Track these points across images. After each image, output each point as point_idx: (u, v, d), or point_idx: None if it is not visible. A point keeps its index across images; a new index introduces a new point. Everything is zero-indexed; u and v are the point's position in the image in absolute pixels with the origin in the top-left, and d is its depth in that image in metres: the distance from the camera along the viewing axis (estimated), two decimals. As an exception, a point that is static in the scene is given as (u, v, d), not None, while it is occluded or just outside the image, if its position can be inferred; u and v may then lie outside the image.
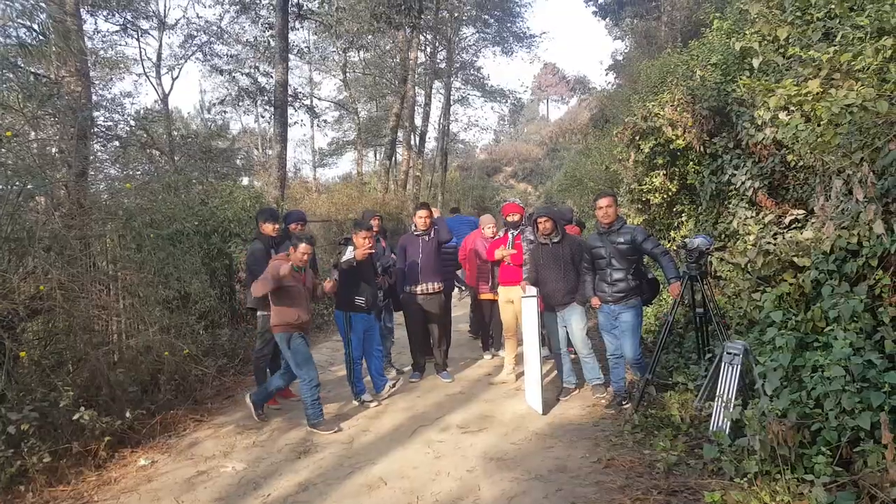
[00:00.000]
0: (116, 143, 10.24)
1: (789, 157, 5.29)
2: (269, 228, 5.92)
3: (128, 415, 4.74)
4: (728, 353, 4.15)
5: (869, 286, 3.74)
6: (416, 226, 6.34)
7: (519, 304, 6.04)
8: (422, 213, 6.34)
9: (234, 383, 6.67)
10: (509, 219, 6.27)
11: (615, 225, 5.04)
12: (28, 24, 5.55)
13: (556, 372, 6.04)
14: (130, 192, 7.25)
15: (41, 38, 5.36)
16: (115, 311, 6.06)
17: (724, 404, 3.90)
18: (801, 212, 5.11)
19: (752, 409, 3.64)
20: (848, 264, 3.90)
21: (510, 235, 6.25)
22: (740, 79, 4.73)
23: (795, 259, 4.26)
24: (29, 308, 5.20)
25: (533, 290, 5.49)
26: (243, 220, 8.92)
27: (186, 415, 5.48)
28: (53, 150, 6.76)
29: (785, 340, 3.88)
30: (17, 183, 4.87)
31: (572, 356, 5.91)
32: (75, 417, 4.36)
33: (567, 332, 5.57)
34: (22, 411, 4.17)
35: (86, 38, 16.95)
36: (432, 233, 6.33)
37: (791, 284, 4.23)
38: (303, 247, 5.06)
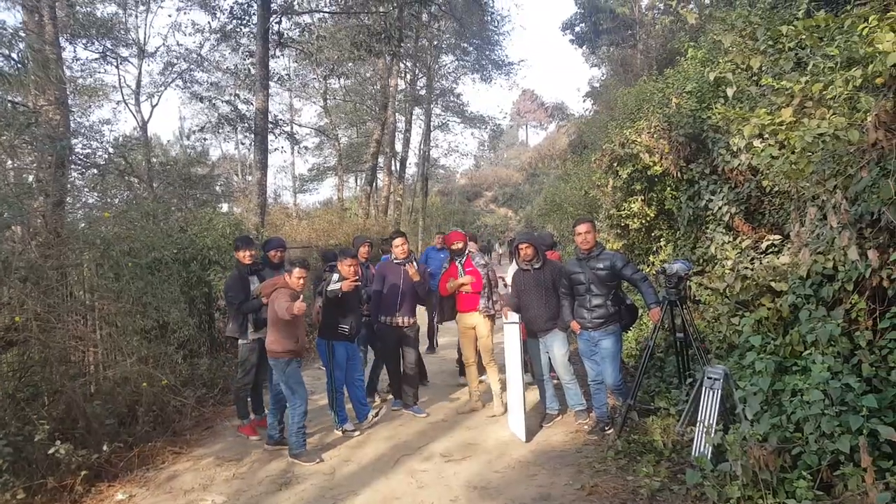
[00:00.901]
0: (94, 170, 10.15)
1: (765, 183, 5.41)
2: (242, 255, 5.80)
3: (105, 448, 4.63)
4: (708, 378, 4.18)
5: (845, 310, 3.81)
6: (394, 255, 6.25)
7: (480, 331, 6.03)
8: (398, 241, 6.23)
9: (213, 414, 6.55)
10: (454, 247, 6.10)
11: (594, 251, 5.08)
12: (6, 53, 5.51)
13: (538, 398, 6.02)
14: (108, 220, 7.19)
15: (19, 66, 5.31)
16: (93, 341, 5.95)
17: (705, 429, 3.91)
18: (778, 237, 5.21)
19: (734, 434, 3.66)
20: (824, 289, 3.98)
21: (458, 264, 6.12)
22: (715, 107, 4.85)
23: (773, 284, 4.34)
24: (3, 340, 5.10)
25: (515, 317, 5.49)
26: (223, 247, 8.82)
27: (165, 447, 5.35)
28: (30, 178, 6.67)
29: (764, 365, 3.93)
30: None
31: (555, 382, 5.91)
32: (50, 452, 4.24)
33: (549, 358, 5.58)
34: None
35: (65, 66, 16.91)
36: (413, 263, 6.26)
37: (769, 309, 4.30)
38: (297, 272, 5.04)
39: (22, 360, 5.35)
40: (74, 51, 15.36)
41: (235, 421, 6.07)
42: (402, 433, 5.74)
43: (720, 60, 6.07)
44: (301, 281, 5.04)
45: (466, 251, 6.16)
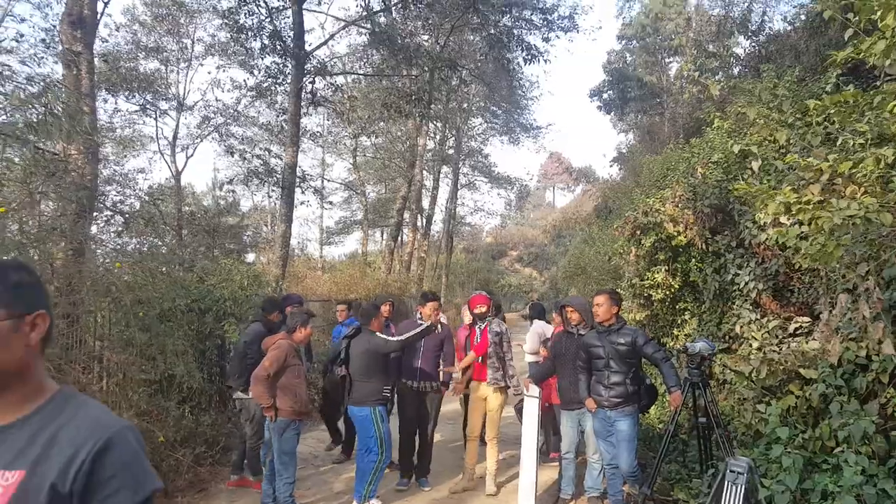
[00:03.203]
0: (120, 218, 10.33)
1: (794, 260, 5.17)
2: (273, 317, 5.98)
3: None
4: (731, 472, 3.85)
5: (881, 404, 3.52)
6: (422, 316, 5.96)
7: (490, 403, 5.74)
8: (431, 304, 5.90)
9: (209, 474, 6.32)
10: (476, 311, 5.85)
11: (615, 325, 4.85)
12: (36, 105, 5.65)
13: (553, 477, 5.67)
14: (125, 269, 7.19)
15: (50, 117, 5.44)
16: (91, 392, 5.83)
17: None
18: (807, 319, 4.92)
19: (759, 537, 3.34)
20: (857, 379, 3.70)
21: (477, 329, 5.86)
22: (742, 178, 4.68)
23: (801, 370, 4.05)
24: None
25: (536, 391, 5.23)
26: (239, 299, 8.78)
27: (155, 510, 5.12)
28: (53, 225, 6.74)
29: (792, 460, 3.62)
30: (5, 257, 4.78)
31: (578, 460, 5.55)
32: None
33: (578, 434, 5.26)
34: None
35: (108, 117, 17.60)
36: (439, 327, 5.93)
37: (797, 397, 4.01)
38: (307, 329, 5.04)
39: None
40: (116, 103, 15.99)
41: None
42: (402, 508, 5.45)
43: (746, 132, 5.97)
44: (307, 337, 4.99)
45: (488, 317, 5.93)
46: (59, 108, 5.70)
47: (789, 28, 13.34)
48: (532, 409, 5.22)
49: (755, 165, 4.38)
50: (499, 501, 5.57)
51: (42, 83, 5.67)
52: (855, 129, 3.92)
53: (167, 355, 6.31)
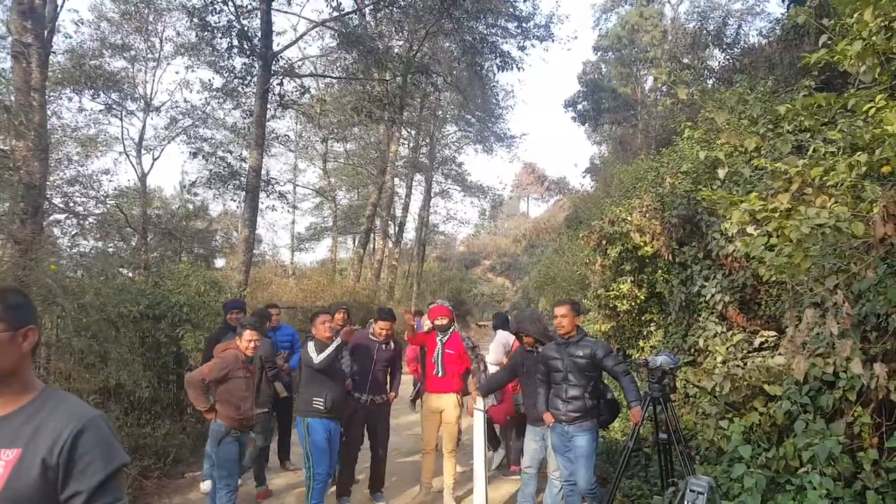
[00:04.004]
0: (74, 219, 9.97)
1: (761, 272, 5.06)
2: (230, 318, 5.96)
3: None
4: (691, 491, 3.69)
5: (847, 423, 3.39)
6: (373, 332, 5.66)
7: (448, 416, 5.54)
8: (383, 325, 5.59)
9: (156, 488, 5.98)
10: (437, 322, 5.63)
11: (575, 336, 4.67)
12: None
13: (512, 491, 5.47)
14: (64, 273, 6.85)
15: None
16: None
17: (686, 555, 3.40)
18: (773, 333, 4.80)
19: (719, 562, 3.17)
20: (823, 397, 3.57)
21: (439, 342, 5.61)
22: (701, 190, 4.55)
23: (766, 387, 3.91)
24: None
25: (481, 403, 5.04)
26: (195, 305, 8.44)
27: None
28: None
29: (754, 480, 3.47)
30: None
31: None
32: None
33: (536, 450, 5.07)
34: None
35: (69, 115, 17.06)
36: (391, 344, 5.70)
37: (761, 414, 3.88)
38: (247, 334, 4.63)
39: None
40: (80, 101, 15.50)
41: (176, 499, 5.58)
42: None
43: (716, 141, 5.88)
44: (251, 345, 4.61)
45: (452, 329, 5.71)
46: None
47: (764, 42, 13.46)
48: (479, 422, 5.02)
49: (722, 173, 4.25)
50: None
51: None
52: (827, 137, 3.82)
53: (111, 363, 5.99)
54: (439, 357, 5.58)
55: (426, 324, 6.09)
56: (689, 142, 8.20)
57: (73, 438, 1.48)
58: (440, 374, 5.57)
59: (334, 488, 5.58)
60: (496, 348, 6.81)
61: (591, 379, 4.59)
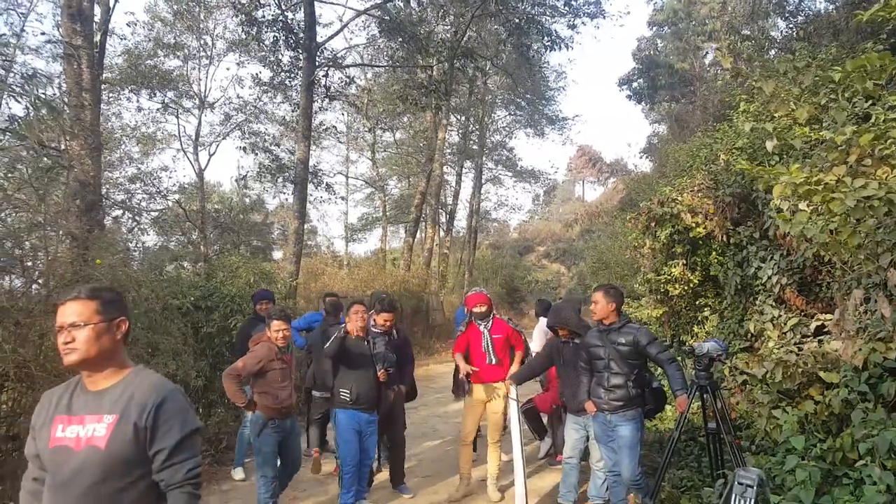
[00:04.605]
0: (129, 215, 10.36)
1: (813, 251, 4.72)
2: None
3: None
4: (739, 484, 3.48)
5: (910, 413, 3.11)
6: (374, 322, 5.45)
7: (493, 406, 5.39)
8: (386, 316, 5.41)
9: (207, 475, 6.14)
10: (476, 310, 5.48)
11: (616, 323, 4.48)
12: (30, 94, 5.55)
13: (558, 481, 5.32)
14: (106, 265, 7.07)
15: (34, 110, 5.32)
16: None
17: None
18: (830, 317, 4.47)
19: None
20: (884, 384, 3.29)
21: (482, 329, 5.47)
22: (738, 162, 4.26)
23: (822, 373, 3.64)
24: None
25: (514, 393, 4.93)
26: (246, 297, 8.63)
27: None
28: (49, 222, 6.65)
29: (808, 473, 3.23)
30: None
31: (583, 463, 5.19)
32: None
33: (577, 440, 4.93)
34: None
35: (128, 115, 17.78)
36: (395, 334, 5.60)
37: (817, 403, 3.61)
38: (275, 324, 4.68)
39: (11, 408, 5.15)
40: (138, 101, 16.08)
41: (225, 486, 5.78)
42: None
43: (775, 114, 5.51)
44: (280, 334, 4.66)
45: (492, 314, 5.58)
46: (41, 102, 5.52)
47: (830, 7, 12.64)
48: (514, 412, 4.91)
49: (770, 146, 3.96)
50: (497, 507, 5.26)
51: (25, 75, 5.54)
52: (890, 103, 3.50)
53: (161, 354, 6.16)
54: (489, 345, 5.42)
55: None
56: (745, 116, 7.77)
57: (157, 407, 1.89)
58: (493, 362, 5.39)
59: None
60: (539, 335, 6.67)
61: (635, 367, 4.40)
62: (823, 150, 4.09)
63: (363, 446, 4.96)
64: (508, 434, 5.36)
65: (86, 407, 1.91)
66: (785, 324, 4.99)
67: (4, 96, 6.08)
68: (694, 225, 6.70)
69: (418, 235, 20.50)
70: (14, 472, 4.47)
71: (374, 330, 5.40)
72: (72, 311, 1.91)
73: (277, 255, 23.05)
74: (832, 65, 6.23)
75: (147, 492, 1.91)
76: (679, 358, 6.65)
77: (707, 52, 24.43)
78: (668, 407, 6.01)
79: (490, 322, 5.49)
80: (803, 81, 4.52)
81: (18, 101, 5.23)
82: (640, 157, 24.71)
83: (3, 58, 5.90)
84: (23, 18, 10.65)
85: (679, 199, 6.86)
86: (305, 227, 13.24)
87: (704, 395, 4.24)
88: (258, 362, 4.55)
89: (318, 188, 13.82)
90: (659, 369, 4.94)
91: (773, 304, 5.69)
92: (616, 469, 4.50)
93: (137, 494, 1.89)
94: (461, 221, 29.28)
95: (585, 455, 5.01)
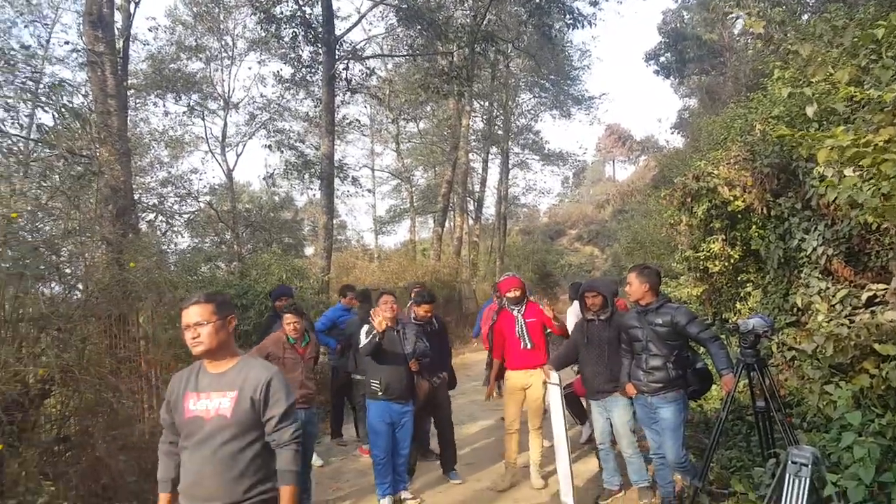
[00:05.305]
0: (161, 217, 10.51)
1: (869, 219, 4.49)
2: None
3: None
4: (793, 463, 3.33)
5: (976, 384, 2.93)
6: (415, 314, 5.54)
7: (533, 392, 5.31)
8: (426, 307, 5.52)
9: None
10: (510, 295, 5.41)
11: (654, 303, 4.35)
12: (56, 104, 5.61)
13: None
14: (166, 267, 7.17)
15: (61, 118, 5.38)
16: (130, 392, 5.78)
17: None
18: (883, 287, 4.25)
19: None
20: (945, 354, 3.10)
21: (515, 314, 5.40)
22: (777, 129, 4.05)
23: (877, 346, 3.46)
24: (39, 390, 4.98)
25: (555, 377, 4.82)
26: (279, 293, 8.70)
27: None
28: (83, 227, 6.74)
29: (867, 450, 3.08)
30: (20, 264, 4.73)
31: (617, 450, 5.10)
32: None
33: (604, 423, 4.84)
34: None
35: (156, 120, 18.08)
36: (435, 323, 5.66)
37: (872, 377, 3.43)
38: (287, 317, 4.85)
39: (61, 412, 5.25)
40: (164, 105, 16.30)
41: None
42: (441, 502, 5.14)
43: (813, 79, 5.26)
44: (290, 327, 4.80)
45: (525, 299, 5.50)
46: (67, 110, 5.58)
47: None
48: (556, 396, 4.81)
49: (811, 111, 3.77)
50: (539, 495, 5.19)
51: (51, 85, 5.62)
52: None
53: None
54: (523, 330, 5.33)
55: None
56: (780, 83, 7.46)
57: (267, 384, 2.40)
58: (528, 347, 5.30)
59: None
60: (572, 319, 6.53)
61: (674, 348, 4.27)
62: (868, 111, 3.89)
63: (396, 437, 4.97)
64: (549, 420, 5.28)
65: (210, 385, 2.42)
66: (834, 296, 4.77)
67: (32, 107, 6.17)
68: (732, 198, 6.47)
69: (447, 225, 20.42)
70: (65, 473, 4.56)
71: (413, 321, 5.42)
72: (195, 313, 2.39)
73: (309, 251, 23.23)
74: (871, 24, 5.94)
75: (261, 451, 2.42)
76: (723, 336, 6.46)
77: (736, 20, 23.68)
78: (714, 387, 5.86)
79: (524, 307, 5.40)
80: (842, 42, 4.31)
81: (46, 111, 5.30)
82: (672, 133, 24.18)
83: (31, 69, 6.01)
84: (48, 30, 10.83)
85: (715, 172, 6.63)
86: (334, 222, 13.29)
87: (751, 374, 4.08)
88: (263, 353, 4.60)
89: (345, 182, 13.87)
90: (703, 349, 4.80)
91: (820, 276, 5.46)
92: (661, 451, 4.39)
93: (254, 453, 2.40)
94: (490, 209, 29.12)
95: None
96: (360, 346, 4.90)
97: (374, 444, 4.96)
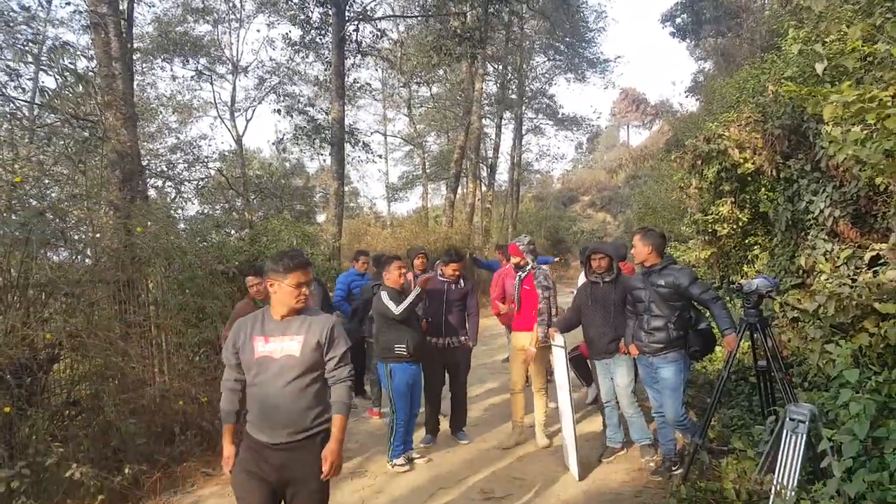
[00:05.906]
0: (170, 184, 10.58)
1: (877, 180, 4.44)
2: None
3: (127, 470, 4.48)
4: (791, 420, 3.38)
5: (973, 341, 2.94)
6: (443, 274, 5.62)
7: (532, 353, 5.37)
8: (454, 266, 5.56)
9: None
10: (514, 261, 5.54)
11: (658, 265, 4.38)
12: (57, 66, 5.61)
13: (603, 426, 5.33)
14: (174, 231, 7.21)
15: (64, 80, 5.38)
16: (140, 357, 5.90)
17: (779, 486, 3.14)
18: (885, 246, 4.24)
19: (819, 492, 2.91)
20: (945, 312, 3.10)
21: (518, 277, 5.48)
22: (785, 85, 3.99)
23: (877, 305, 3.47)
24: (47, 355, 5.09)
25: (560, 339, 4.88)
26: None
27: (197, 468, 5.17)
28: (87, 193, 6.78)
29: (862, 406, 3.11)
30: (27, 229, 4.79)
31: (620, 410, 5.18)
32: (67, 474, 4.14)
33: (608, 382, 4.92)
34: (14, 467, 4.00)
35: (163, 85, 17.99)
36: (461, 283, 5.67)
37: (872, 335, 3.45)
38: (248, 279, 5.31)
39: (71, 377, 5.36)
40: (171, 70, 16.22)
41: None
42: (446, 461, 5.26)
43: (826, 38, 5.15)
44: (255, 289, 5.25)
45: (529, 267, 5.55)
46: (70, 73, 5.56)
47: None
48: (560, 358, 4.87)
49: (820, 68, 3.71)
50: (545, 454, 5.30)
51: (52, 47, 5.60)
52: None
53: (208, 318, 6.30)
54: (517, 293, 5.47)
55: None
56: (794, 42, 7.29)
57: (330, 329, 2.77)
58: (517, 310, 5.45)
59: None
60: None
61: (676, 309, 4.31)
62: (879, 69, 3.82)
63: (414, 398, 5.08)
64: (553, 382, 5.37)
65: (276, 329, 2.75)
66: (838, 257, 4.76)
67: (35, 71, 6.18)
68: (742, 161, 6.42)
69: (460, 191, 20.34)
70: (76, 436, 4.69)
71: (441, 279, 5.57)
72: (305, 275, 2.76)
73: (321, 218, 23.30)
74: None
75: (321, 386, 2.79)
76: (727, 298, 6.46)
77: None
78: (718, 349, 5.90)
79: (525, 273, 5.47)
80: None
81: (48, 74, 5.30)
82: (686, 96, 23.72)
83: (33, 31, 5.99)
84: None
85: (726, 134, 6.56)
86: (346, 188, 13.30)
87: (754, 334, 4.11)
88: (234, 318, 4.69)
89: (356, 148, 13.81)
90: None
91: (826, 237, 5.43)
92: (661, 410, 4.46)
93: (316, 388, 2.76)
94: (503, 175, 28.91)
95: None
96: (398, 309, 4.86)
97: (400, 409, 4.97)
